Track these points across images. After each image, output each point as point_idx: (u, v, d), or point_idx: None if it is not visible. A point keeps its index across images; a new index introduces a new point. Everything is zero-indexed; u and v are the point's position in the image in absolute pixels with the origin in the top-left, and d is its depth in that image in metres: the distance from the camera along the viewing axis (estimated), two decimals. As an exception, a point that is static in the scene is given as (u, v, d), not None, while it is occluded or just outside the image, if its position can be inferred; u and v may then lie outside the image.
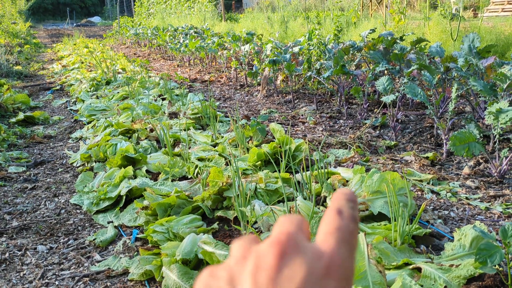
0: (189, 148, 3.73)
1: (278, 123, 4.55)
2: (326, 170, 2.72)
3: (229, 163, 3.33)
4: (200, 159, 3.33)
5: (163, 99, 5.90)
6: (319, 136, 4.15)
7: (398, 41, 5.15)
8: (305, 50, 6.25)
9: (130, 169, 3.18)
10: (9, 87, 6.87)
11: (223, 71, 8.70)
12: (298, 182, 2.80)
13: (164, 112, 5.11)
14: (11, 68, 10.34)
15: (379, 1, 16.12)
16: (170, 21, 20.19)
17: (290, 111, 5.19)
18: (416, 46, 5.15)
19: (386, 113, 4.60)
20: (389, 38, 5.25)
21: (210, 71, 8.95)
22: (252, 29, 11.66)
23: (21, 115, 5.72)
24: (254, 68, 6.73)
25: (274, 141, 3.74)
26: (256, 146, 3.71)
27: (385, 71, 4.94)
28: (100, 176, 3.36)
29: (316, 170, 2.76)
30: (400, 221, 2.02)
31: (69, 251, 2.46)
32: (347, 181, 2.71)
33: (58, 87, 8.08)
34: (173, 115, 4.89)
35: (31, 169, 3.95)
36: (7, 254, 2.42)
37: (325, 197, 2.53)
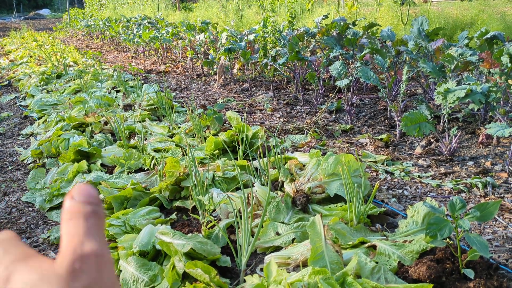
0: (145, 139, 3.66)
1: (235, 111, 4.53)
2: (283, 155, 2.73)
3: (185, 153, 3.30)
4: (157, 150, 3.27)
5: (117, 91, 5.75)
6: (276, 123, 4.16)
7: (351, 26, 5.22)
8: (261, 38, 6.24)
9: (84, 163, 3.09)
10: (-49, 84, 6.50)
11: (178, 61, 8.57)
12: (256, 168, 2.80)
13: (118, 104, 4.98)
14: (-47, 64, 9.80)
15: (332, -12, 16.31)
16: (123, 11, 19.67)
17: (247, 99, 5.18)
18: (368, 30, 5.24)
19: (341, 98, 4.67)
20: (342, 23, 5.31)
21: (165, 62, 8.80)
22: (207, 18, 11.53)
23: (-35, 113, 5.44)
24: (210, 57, 6.67)
25: (231, 129, 3.73)
26: (214, 135, 3.69)
27: (339, 56, 5.00)
28: (53, 172, 3.24)
29: (273, 156, 2.77)
30: (355, 201, 2.06)
31: (22, 250, 2.37)
32: (304, 165, 2.74)
33: (5, 83, 7.72)
34: (128, 107, 4.78)
35: (-21, 168, 3.77)
36: (-46, 258, 2.30)
37: (282, 182, 2.55)
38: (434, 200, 2.15)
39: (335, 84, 4.89)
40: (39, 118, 5.05)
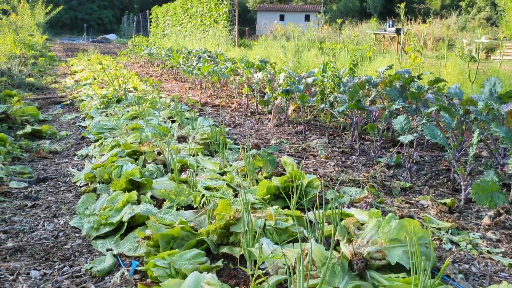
0: (196, 175, 3.61)
1: (289, 155, 4.43)
2: (339, 210, 2.57)
3: (238, 195, 3.21)
4: (207, 188, 3.20)
5: (173, 122, 5.81)
6: (330, 172, 4.01)
7: (415, 80, 5.06)
8: (319, 82, 6.17)
9: (134, 193, 3.06)
10: (19, 98, 6.82)
11: (234, 97, 8.65)
12: (310, 221, 2.66)
13: (173, 135, 5.01)
14: (23, 79, 10.38)
15: (392, 37, 16.21)
16: (185, 43, 20.38)
17: (301, 143, 5.08)
18: (434, 86, 5.06)
19: (400, 152, 4.48)
20: (407, 76, 5.17)
21: (221, 96, 8.90)
22: (265, 56, 11.67)
23: (28, 128, 5.65)
24: (266, 96, 6.67)
25: (285, 174, 3.62)
26: (266, 178, 3.58)
27: (401, 109, 4.83)
28: (103, 198, 3.23)
29: (329, 209, 2.63)
30: (421, 275, 1.87)
31: (63, 279, 2.32)
32: (362, 223, 2.57)
33: (68, 102, 8.04)
34: (182, 139, 4.79)
35: (33, 185, 3.83)
36: (-3, 278, 2.28)
37: (338, 241, 2.38)
38: (507, 282, 1.93)
39: (396, 138, 4.70)
40: (95, 141, 5.15)
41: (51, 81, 11.61)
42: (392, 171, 3.99)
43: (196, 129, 4.98)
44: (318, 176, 3.85)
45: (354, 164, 4.28)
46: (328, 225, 2.62)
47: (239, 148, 4.68)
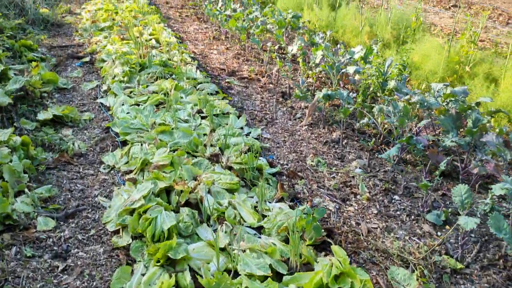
0: (235, 235, 3.40)
1: (329, 195, 4.17)
2: None
3: (282, 278, 3.03)
4: (250, 276, 3.00)
5: (203, 118, 5.44)
6: (374, 227, 3.78)
7: (473, 106, 4.59)
8: (362, 81, 5.67)
9: (173, 280, 2.89)
10: (37, 64, 6.37)
11: (263, 61, 8.08)
12: None
13: (204, 146, 4.70)
14: (37, 11, 9.72)
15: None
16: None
17: (338, 163, 4.77)
18: (493, 115, 4.61)
19: (449, 208, 4.20)
20: (463, 99, 4.71)
21: (248, 58, 8.31)
22: (295, 5, 10.77)
23: (49, 113, 5.32)
24: (300, 82, 6.21)
25: (330, 246, 3.40)
26: (308, 245, 3.38)
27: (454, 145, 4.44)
28: (138, 273, 3.06)
29: None
30: None
31: None
32: None
33: (87, 59, 7.55)
34: (214, 157, 4.48)
35: (61, 222, 3.65)
36: None
37: None
38: None
39: (457, 220, 4.35)
40: (122, 143, 4.86)
41: (65, 11, 10.92)
42: (440, 232, 3.74)
43: (230, 149, 4.62)
44: (361, 234, 3.65)
45: (398, 212, 4.03)
46: None
47: (275, 174, 4.41)
